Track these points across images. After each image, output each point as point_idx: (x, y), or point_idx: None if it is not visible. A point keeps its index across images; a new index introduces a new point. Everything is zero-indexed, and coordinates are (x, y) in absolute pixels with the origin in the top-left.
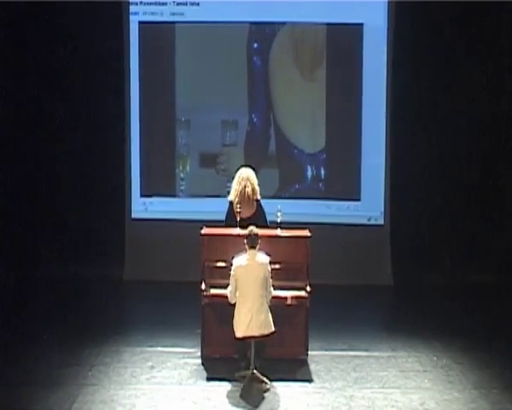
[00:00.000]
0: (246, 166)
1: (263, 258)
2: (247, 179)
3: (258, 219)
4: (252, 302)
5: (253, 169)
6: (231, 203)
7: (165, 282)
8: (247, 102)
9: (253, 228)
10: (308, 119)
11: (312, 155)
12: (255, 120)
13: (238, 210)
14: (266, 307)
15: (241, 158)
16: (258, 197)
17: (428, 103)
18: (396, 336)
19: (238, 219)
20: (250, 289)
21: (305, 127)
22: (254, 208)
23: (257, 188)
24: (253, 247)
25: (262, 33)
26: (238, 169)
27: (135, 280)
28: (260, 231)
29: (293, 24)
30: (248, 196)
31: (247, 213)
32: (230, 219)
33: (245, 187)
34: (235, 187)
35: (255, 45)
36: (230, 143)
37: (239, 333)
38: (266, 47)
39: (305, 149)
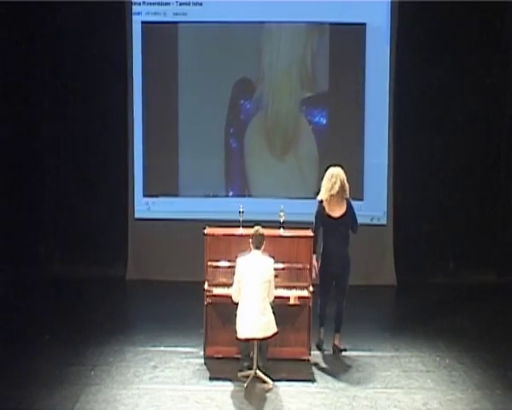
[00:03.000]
0: (335, 165)
1: (267, 260)
2: (337, 177)
3: (349, 219)
4: (255, 304)
5: (342, 168)
6: (321, 202)
7: (168, 282)
8: (224, 179)
9: (258, 228)
10: (280, 194)
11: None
12: (231, 194)
13: (326, 209)
14: (269, 308)
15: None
16: (348, 196)
17: (431, 103)
18: (399, 337)
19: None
20: (253, 291)
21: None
22: (345, 208)
23: (347, 186)
24: (257, 247)
25: (238, 119)
26: (327, 169)
27: (138, 280)
28: (264, 231)
29: (265, 111)
30: (338, 194)
31: (337, 212)
32: (321, 219)
33: (335, 184)
34: (325, 185)
35: (231, 130)
36: None
37: (242, 335)
38: (241, 131)
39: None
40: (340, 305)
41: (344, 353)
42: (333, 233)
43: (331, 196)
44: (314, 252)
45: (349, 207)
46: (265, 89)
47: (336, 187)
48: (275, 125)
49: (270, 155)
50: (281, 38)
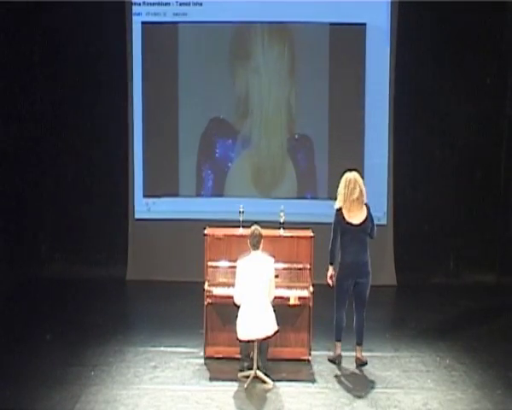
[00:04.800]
0: (351, 170)
1: (267, 259)
2: (356, 182)
3: (369, 224)
4: (256, 305)
5: (359, 173)
6: (339, 210)
7: (168, 282)
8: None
9: (255, 228)
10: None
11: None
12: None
13: (346, 217)
14: (270, 307)
15: None
16: (366, 201)
17: (431, 103)
18: (399, 337)
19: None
20: (254, 291)
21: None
22: (365, 214)
23: (365, 190)
24: (256, 247)
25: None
26: (343, 174)
27: (138, 280)
28: (264, 232)
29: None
30: (359, 200)
31: (358, 218)
32: (341, 228)
33: (354, 189)
34: (343, 191)
35: (209, 171)
36: None
37: (243, 336)
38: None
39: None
40: (362, 317)
41: (343, 353)
42: (353, 241)
43: (351, 201)
44: (331, 263)
45: (369, 212)
46: (253, 128)
47: (356, 192)
48: (260, 161)
49: (255, 193)
50: (269, 82)
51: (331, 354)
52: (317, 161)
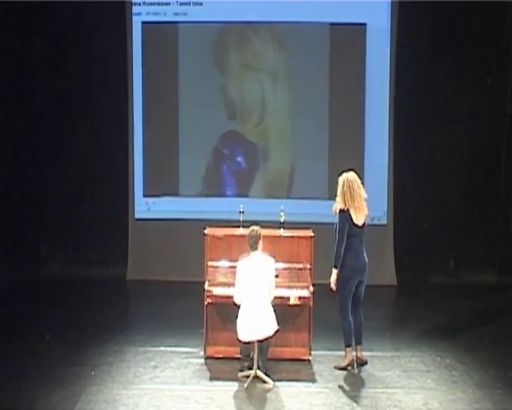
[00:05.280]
0: (347, 170)
1: (268, 260)
2: (356, 181)
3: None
4: (256, 305)
5: (358, 173)
6: (344, 211)
7: (168, 282)
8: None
9: (252, 229)
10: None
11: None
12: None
13: (354, 219)
14: (270, 307)
15: None
16: None
17: (431, 103)
18: (399, 336)
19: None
20: (255, 292)
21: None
22: (366, 214)
23: None
24: (254, 248)
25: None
26: (340, 175)
27: (138, 280)
28: (264, 231)
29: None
30: (364, 200)
31: (362, 219)
32: (350, 228)
33: (359, 189)
34: (348, 192)
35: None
36: None
37: (244, 337)
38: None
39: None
40: (360, 316)
41: (343, 353)
42: (357, 241)
43: (360, 202)
44: (336, 267)
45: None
46: (254, 127)
47: (362, 192)
48: (272, 176)
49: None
50: (267, 81)
51: (339, 362)
52: (317, 161)
